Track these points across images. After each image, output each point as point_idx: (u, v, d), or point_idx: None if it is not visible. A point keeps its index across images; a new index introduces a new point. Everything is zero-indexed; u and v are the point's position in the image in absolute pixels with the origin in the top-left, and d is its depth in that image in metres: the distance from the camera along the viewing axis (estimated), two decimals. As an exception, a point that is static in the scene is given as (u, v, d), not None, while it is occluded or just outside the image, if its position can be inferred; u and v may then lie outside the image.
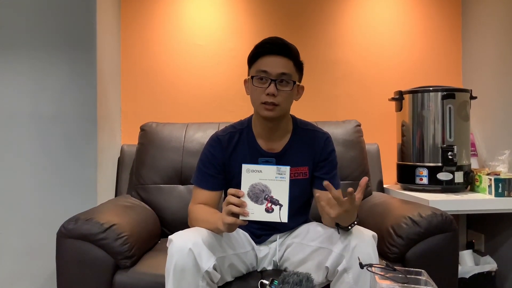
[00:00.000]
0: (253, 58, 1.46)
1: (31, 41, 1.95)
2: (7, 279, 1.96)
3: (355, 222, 1.33)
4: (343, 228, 1.34)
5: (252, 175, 1.26)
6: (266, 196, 1.25)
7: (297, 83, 1.47)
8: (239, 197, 1.25)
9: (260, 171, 1.26)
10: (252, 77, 1.44)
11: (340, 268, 1.31)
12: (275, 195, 1.25)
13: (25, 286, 1.96)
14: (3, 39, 1.94)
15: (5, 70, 1.95)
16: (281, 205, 1.25)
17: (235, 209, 1.23)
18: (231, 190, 1.27)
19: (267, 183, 1.26)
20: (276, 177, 1.26)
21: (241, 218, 1.24)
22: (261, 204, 1.25)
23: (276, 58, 1.41)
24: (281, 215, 1.25)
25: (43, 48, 1.96)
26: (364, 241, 1.30)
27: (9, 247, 1.96)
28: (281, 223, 1.25)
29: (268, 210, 1.25)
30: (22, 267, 1.96)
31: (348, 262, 1.29)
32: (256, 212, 1.25)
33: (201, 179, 1.52)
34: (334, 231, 1.37)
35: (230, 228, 1.28)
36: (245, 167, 1.27)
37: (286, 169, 1.26)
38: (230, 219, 1.24)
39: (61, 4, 1.96)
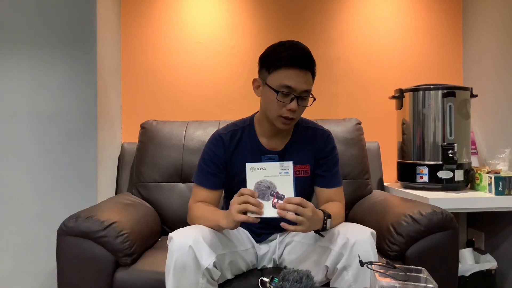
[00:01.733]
0: (273, 66, 1.39)
1: (31, 39, 1.95)
2: (8, 277, 1.96)
3: (326, 226, 1.33)
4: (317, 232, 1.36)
5: (257, 173, 1.29)
6: (272, 192, 1.26)
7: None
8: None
9: (264, 169, 1.28)
10: (276, 92, 1.38)
11: (339, 266, 1.31)
12: (280, 190, 1.27)
13: (25, 283, 1.97)
14: (3, 37, 1.94)
15: (5, 68, 1.95)
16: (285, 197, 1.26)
17: (252, 208, 1.23)
18: (245, 190, 1.27)
19: (272, 179, 1.28)
20: (280, 173, 1.28)
21: (249, 215, 1.25)
22: (268, 200, 1.26)
23: (300, 73, 1.38)
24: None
25: (43, 46, 1.96)
26: (362, 238, 1.30)
27: (10, 244, 1.96)
28: (283, 221, 1.25)
29: (275, 206, 1.26)
30: (22, 264, 1.96)
31: (347, 260, 1.29)
32: (265, 209, 1.26)
33: (202, 178, 1.52)
34: (332, 230, 1.37)
35: (235, 225, 1.29)
36: (249, 165, 1.30)
37: (289, 164, 1.28)
38: (243, 217, 1.24)
39: (61, 2, 1.96)
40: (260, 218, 1.25)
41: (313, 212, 1.27)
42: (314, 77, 1.46)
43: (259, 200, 1.26)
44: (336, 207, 1.48)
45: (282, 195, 1.26)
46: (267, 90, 1.42)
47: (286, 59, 1.37)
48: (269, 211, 1.26)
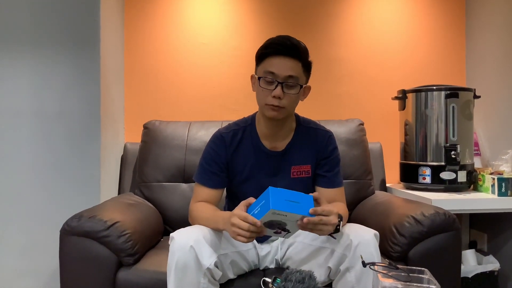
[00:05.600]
0: (261, 57, 1.44)
1: (35, 39, 1.96)
2: (11, 276, 1.97)
3: (339, 228, 1.30)
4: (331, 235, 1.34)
5: (275, 216, 1.21)
6: (280, 226, 1.25)
7: (304, 85, 1.46)
8: (254, 225, 1.22)
9: (285, 215, 1.21)
10: (259, 78, 1.42)
11: (342, 267, 1.31)
12: (288, 227, 1.26)
13: (28, 282, 1.97)
14: (7, 37, 1.95)
15: (9, 68, 1.96)
16: (289, 232, 1.27)
17: (243, 239, 1.23)
18: (248, 219, 1.22)
19: (286, 221, 1.23)
20: (297, 221, 1.23)
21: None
22: (272, 229, 1.26)
23: (284, 60, 1.39)
24: (285, 236, 1.30)
25: (47, 46, 1.96)
26: (366, 240, 1.30)
27: (13, 244, 1.97)
28: None
29: (277, 233, 1.27)
30: (25, 263, 1.97)
31: (350, 261, 1.29)
32: (266, 231, 1.27)
33: (203, 177, 1.52)
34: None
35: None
36: (272, 211, 1.18)
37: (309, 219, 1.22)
38: (239, 238, 1.24)
39: (65, 2, 1.97)
40: None
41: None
42: (308, 69, 1.46)
43: (264, 228, 1.24)
44: (341, 208, 1.47)
45: (288, 229, 1.26)
46: (255, 80, 1.45)
47: (271, 47, 1.41)
48: (269, 233, 1.28)
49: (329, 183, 1.54)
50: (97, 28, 1.98)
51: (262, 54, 1.43)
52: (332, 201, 1.52)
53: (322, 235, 1.29)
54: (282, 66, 1.39)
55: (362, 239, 1.30)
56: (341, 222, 1.31)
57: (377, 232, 1.34)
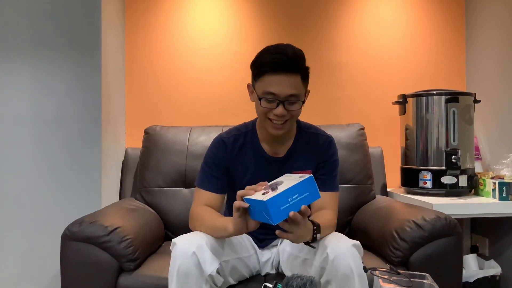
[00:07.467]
0: (258, 72, 1.39)
1: (36, 44, 1.97)
2: (12, 281, 1.97)
3: (316, 237, 1.27)
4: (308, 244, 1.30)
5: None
6: (273, 187, 1.20)
7: (304, 98, 1.43)
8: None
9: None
10: (259, 98, 1.38)
11: (322, 280, 1.29)
12: (280, 186, 1.19)
13: (29, 288, 1.97)
14: (8, 42, 1.96)
15: (10, 73, 1.96)
16: (276, 190, 1.18)
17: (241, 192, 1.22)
18: (240, 192, 1.25)
19: (285, 180, 1.22)
20: (295, 179, 1.20)
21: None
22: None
23: (283, 77, 1.34)
24: (266, 196, 1.16)
25: (48, 51, 1.97)
26: (342, 252, 1.25)
27: (14, 249, 1.97)
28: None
29: (264, 193, 1.19)
30: (26, 269, 1.97)
31: (329, 274, 1.26)
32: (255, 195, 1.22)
33: (205, 181, 1.50)
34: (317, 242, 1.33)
35: (241, 227, 1.26)
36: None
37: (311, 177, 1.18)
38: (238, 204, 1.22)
39: (66, 7, 1.98)
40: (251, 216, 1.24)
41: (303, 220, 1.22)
42: (307, 77, 1.41)
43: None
44: (327, 216, 1.42)
45: (276, 186, 1.19)
46: (255, 96, 1.42)
47: (268, 65, 1.35)
48: (257, 196, 1.20)
49: (324, 186, 1.47)
50: (98, 33, 1.99)
51: (260, 72, 1.37)
52: (322, 205, 1.47)
53: (293, 238, 1.23)
54: (282, 85, 1.34)
55: (338, 252, 1.25)
56: (318, 229, 1.27)
57: (357, 242, 1.30)
